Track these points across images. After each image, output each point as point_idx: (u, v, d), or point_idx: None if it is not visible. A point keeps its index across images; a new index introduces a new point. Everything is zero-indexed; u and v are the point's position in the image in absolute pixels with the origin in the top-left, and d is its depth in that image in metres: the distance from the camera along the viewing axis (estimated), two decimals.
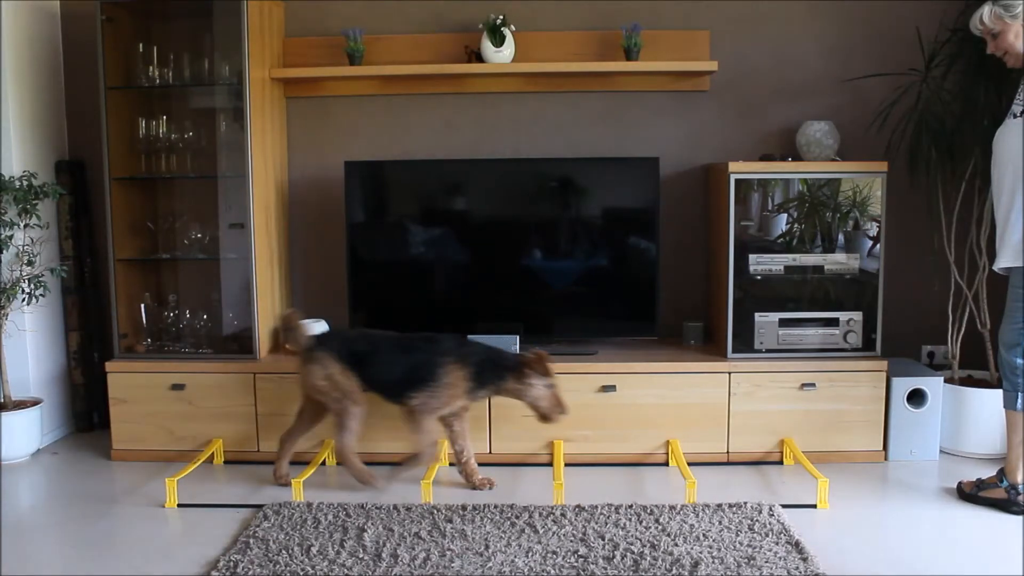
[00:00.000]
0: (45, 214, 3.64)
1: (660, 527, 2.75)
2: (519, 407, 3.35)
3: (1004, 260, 2.96)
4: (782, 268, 3.47)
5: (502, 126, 3.84)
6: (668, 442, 3.38)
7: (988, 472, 3.08)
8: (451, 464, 3.39)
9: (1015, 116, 2.95)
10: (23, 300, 3.49)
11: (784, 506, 2.93)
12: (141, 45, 3.62)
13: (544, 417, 3.08)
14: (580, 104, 3.82)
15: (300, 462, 3.39)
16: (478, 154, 3.83)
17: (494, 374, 3.05)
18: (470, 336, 3.50)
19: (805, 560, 2.51)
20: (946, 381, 3.45)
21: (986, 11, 2.93)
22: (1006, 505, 2.93)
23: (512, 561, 2.53)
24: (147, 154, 3.70)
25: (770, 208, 3.53)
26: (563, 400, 3.08)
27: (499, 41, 3.58)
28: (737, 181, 3.41)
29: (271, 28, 3.67)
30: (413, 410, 3.03)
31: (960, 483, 3.09)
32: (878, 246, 3.44)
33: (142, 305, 3.73)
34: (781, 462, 3.39)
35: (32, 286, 3.47)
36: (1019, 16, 2.87)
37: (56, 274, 3.61)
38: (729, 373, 3.36)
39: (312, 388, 3.08)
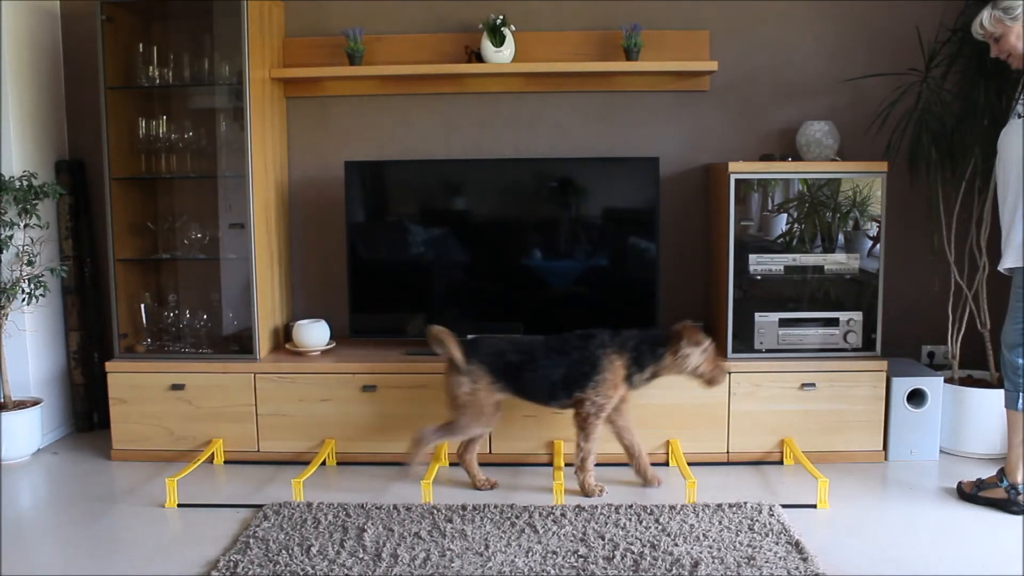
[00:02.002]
0: (45, 214, 3.64)
1: (660, 527, 2.75)
2: (519, 407, 3.36)
3: (1008, 260, 2.96)
4: (782, 268, 3.47)
5: (502, 126, 3.84)
6: (668, 442, 3.38)
7: (988, 472, 3.08)
8: (452, 464, 3.40)
9: (1018, 116, 2.95)
10: (23, 300, 3.49)
11: (784, 506, 2.93)
12: (141, 45, 3.62)
13: (709, 382, 3.07)
14: (580, 104, 3.82)
15: (300, 462, 3.40)
16: (478, 154, 3.84)
17: (651, 355, 3.03)
18: (469, 336, 3.51)
19: (805, 560, 2.51)
20: (946, 381, 3.45)
21: (986, 15, 2.93)
22: (1006, 505, 2.93)
23: (512, 561, 2.53)
24: (147, 154, 3.71)
25: (770, 208, 3.53)
26: (720, 362, 3.08)
27: (499, 41, 3.58)
28: (737, 181, 3.41)
29: (271, 28, 3.67)
30: (585, 415, 3.00)
31: (960, 483, 3.09)
32: (878, 246, 3.44)
33: (142, 305, 3.73)
34: (781, 462, 3.39)
35: (32, 286, 3.47)
36: (1019, 18, 2.87)
37: (56, 274, 3.61)
38: (729, 373, 3.36)
39: (452, 398, 3.03)
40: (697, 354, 3.02)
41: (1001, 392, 3.37)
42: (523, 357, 3.04)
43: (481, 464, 3.38)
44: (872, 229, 3.46)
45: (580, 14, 3.76)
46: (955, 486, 3.10)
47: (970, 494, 3.01)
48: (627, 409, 3.14)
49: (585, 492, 3.06)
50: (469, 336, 3.17)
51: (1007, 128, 2.99)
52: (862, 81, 3.69)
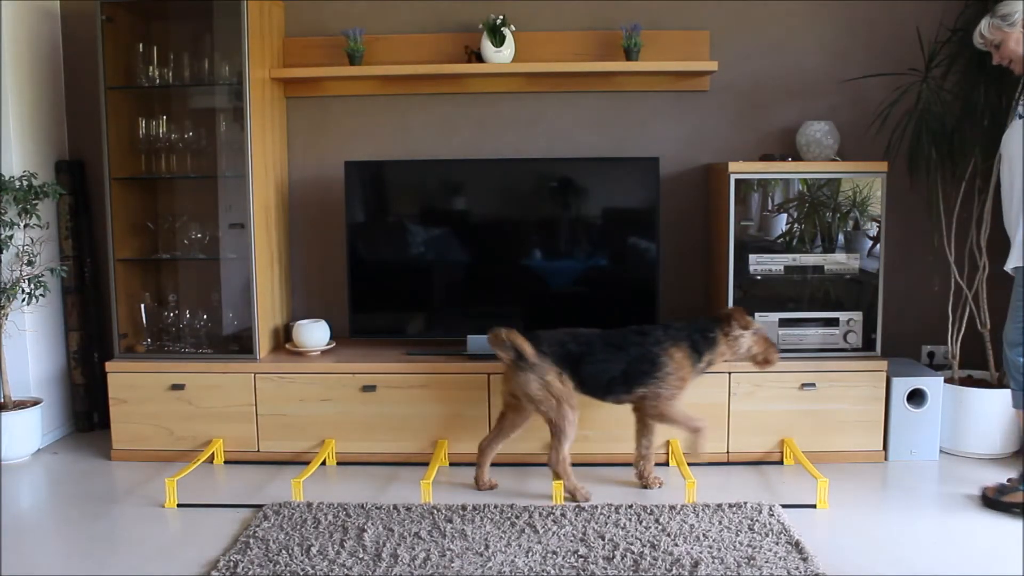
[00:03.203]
0: (45, 214, 3.64)
1: (660, 527, 2.75)
2: None
3: (1013, 260, 2.98)
4: (782, 268, 3.47)
5: (502, 126, 3.84)
6: (668, 442, 3.38)
7: (988, 472, 3.08)
8: (452, 464, 3.39)
9: (1019, 117, 2.96)
10: (23, 300, 3.49)
11: (784, 506, 2.93)
12: (141, 45, 3.62)
13: (763, 363, 3.07)
14: (580, 104, 3.82)
15: (300, 462, 3.40)
16: (478, 154, 3.84)
17: (706, 342, 3.03)
18: (470, 336, 3.52)
19: (805, 560, 2.51)
20: (946, 381, 3.45)
21: (984, 24, 2.97)
22: None
23: (512, 561, 2.53)
24: (147, 154, 3.71)
25: (770, 208, 3.53)
26: (771, 340, 3.09)
27: (499, 41, 3.58)
28: (737, 181, 3.41)
29: (271, 28, 3.67)
30: (658, 408, 3.01)
31: (984, 489, 3.05)
32: (878, 246, 3.44)
33: (142, 305, 3.73)
34: (781, 462, 3.39)
35: (32, 286, 3.47)
36: (1017, 23, 2.90)
37: (56, 274, 3.61)
38: (729, 373, 3.36)
39: (527, 398, 3.01)
40: (748, 337, 3.03)
41: (1001, 392, 3.38)
42: (583, 348, 3.02)
43: None
44: (872, 229, 3.46)
45: (580, 14, 3.76)
46: (978, 494, 3.06)
47: (994, 500, 2.96)
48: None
49: (644, 483, 3.11)
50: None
51: (1009, 130, 3.00)
52: (862, 81, 3.69)
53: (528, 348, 2.98)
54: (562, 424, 2.99)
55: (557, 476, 3.03)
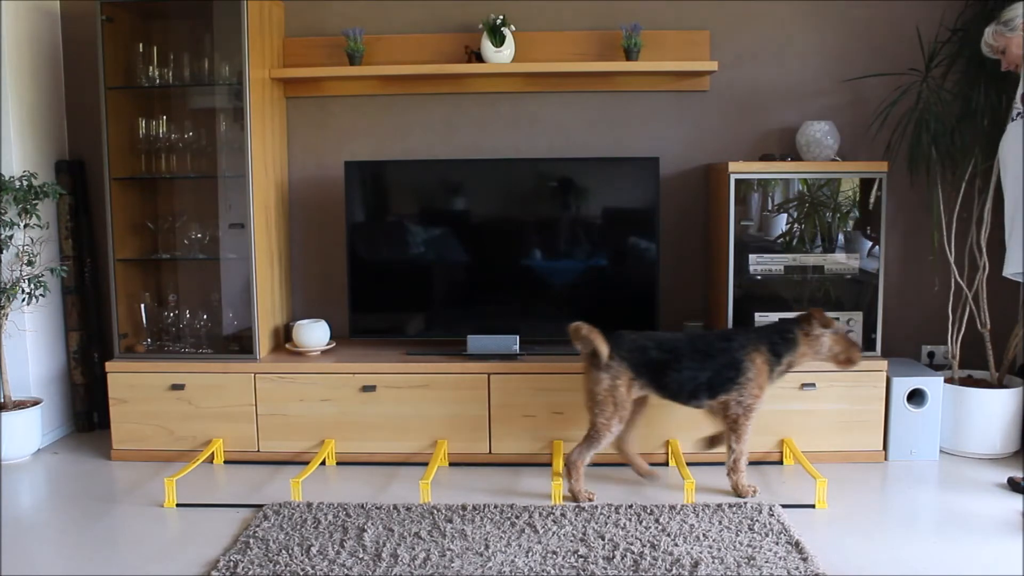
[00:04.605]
0: (45, 214, 3.64)
1: (660, 527, 2.75)
2: (517, 408, 3.37)
3: (1011, 266, 3.00)
4: (782, 268, 3.47)
5: (502, 126, 3.84)
6: (668, 442, 3.38)
7: (989, 472, 3.08)
8: (451, 464, 3.40)
9: (1012, 119, 2.98)
10: (23, 300, 3.49)
11: (784, 506, 2.93)
12: (141, 45, 3.62)
13: (846, 362, 3.05)
14: (580, 104, 3.82)
15: (300, 462, 3.40)
16: (478, 154, 3.84)
17: (786, 344, 3.01)
18: (470, 336, 3.52)
19: (805, 560, 2.51)
20: (946, 381, 3.45)
21: (989, 32, 3.06)
22: None
23: (512, 561, 2.53)
24: (147, 154, 3.71)
25: (770, 208, 3.53)
26: (852, 338, 3.06)
27: (499, 41, 3.58)
28: (737, 181, 3.41)
29: (271, 28, 3.67)
30: (735, 418, 3.00)
31: (1010, 479, 3.12)
32: (877, 247, 3.43)
33: (142, 305, 3.73)
34: (781, 462, 3.39)
35: (32, 286, 3.47)
36: (1018, 28, 2.96)
37: (56, 274, 3.61)
38: None
39: (591, 395, 3.00)
40: (827, 336, 3.01)
41: (1001, 392, 3.39)
42: (666, 355, 3.00)
43: (481, 464, 3.39)
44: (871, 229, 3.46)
45: (580, 14, 3.76)
46: (1005, 481, 3.14)
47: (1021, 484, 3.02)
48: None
49: (738, 493, 3.05)
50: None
51: (1006, 133, 3.02)
52: (862, 81, 3.69)
53: (603, 349, 2.96)
54: (603, 433, 2.98)
55: (568, 472, 3.02)
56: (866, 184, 3.45)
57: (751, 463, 3.39)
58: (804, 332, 3.01)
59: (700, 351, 3.01)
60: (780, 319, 3.12)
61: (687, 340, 3.06)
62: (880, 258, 3.43)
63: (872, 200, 3.43)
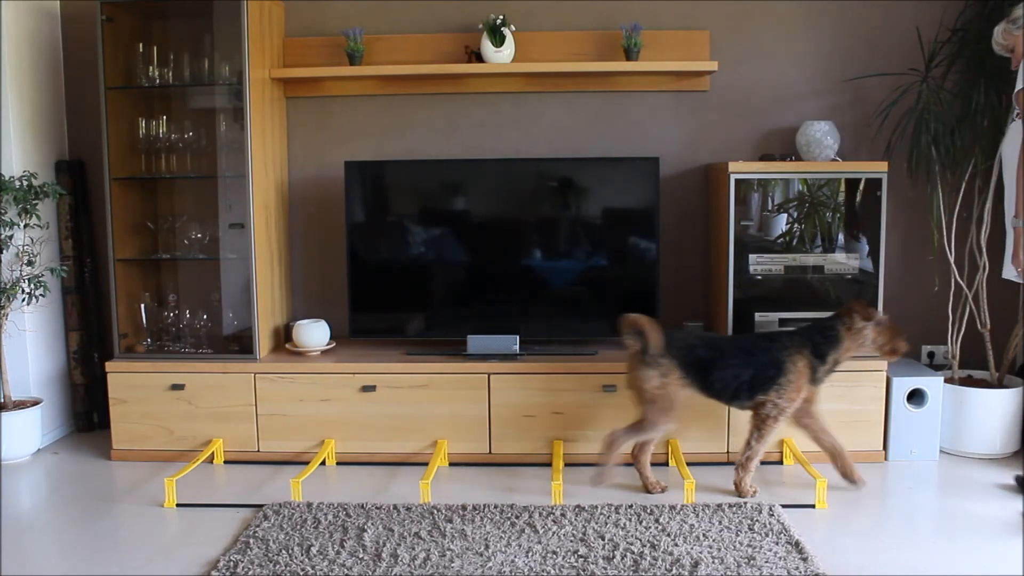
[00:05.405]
0: (45, 214, 3.64)
1: (660, 527, 2.75)
2: (517, 408, 3.37)
3: (1009, 270, 3.01)
4: (782, 268, 3.47)
5: (502, 126, 3.84)
6: (668, 442, 3.38)
7: (988, 472, 3.08)
8: (451, 464, 3.40)
9: (1012, 120, 2.99)
10: (23, 300, 3.49)
11: (784, 506, 2.93)
12: (141, 45, 3.62)
13: (891, 353, 3.03)
14: (580, 104, 3.82)
15: (300, 462, 3.40)
16: (478, 154, 3.83)
17: (829, 344, 2.99)
18: (470, 336, 3.52)
19: (805, 560, 2.51)
20: (946, 381, 3.45)
21: (998, 30, 3.10)
22: None
23: (512, 561, 2.53)
24: (147, 154, 3.70)
25: (770, 208, 3.53)
26: (897, 328, 3.05)
27: (499, 41, 3.58)
28: (737, 181, 3.41)
29: (271, 28, 3.67)
30: (765, 417, 2.99)
31: (1017, 476, 3.13)
32: (866, 243, 3.43)
33: (142, 305, 3.73)
34: (781, 462, 3.39)
35: (32, 286, 3.47)
36: None
37: (56, 274, 3.61)
38: None
39: (641, 392, 2.99)
40: (870, 328, 2.99)
41: (1001, 392, 3.39)
42: (712, 353, 3.00)
43: (481, 464, 3.39)
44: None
45: (580, 14, 3.76)
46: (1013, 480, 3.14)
47: None
48: (817, 410, 3.09)
49: (740, 491, 3.05)
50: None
51: (1006, 135, 3.04)
52: (862, 81, 3.69)
53: (655, 339, 2.95)
54: (652, 428, 2.98)
55: (607, 446, 3.00)
56: (851, 184, 3.44)
57: None
58: (846, 327, 2.99)
59: (744, 350, 3.01)
60: (822, 320, 3.07)
61: (731, 339, 3.08)
62: (880, 258, 3.43)
63: (859, 197, 3.43)
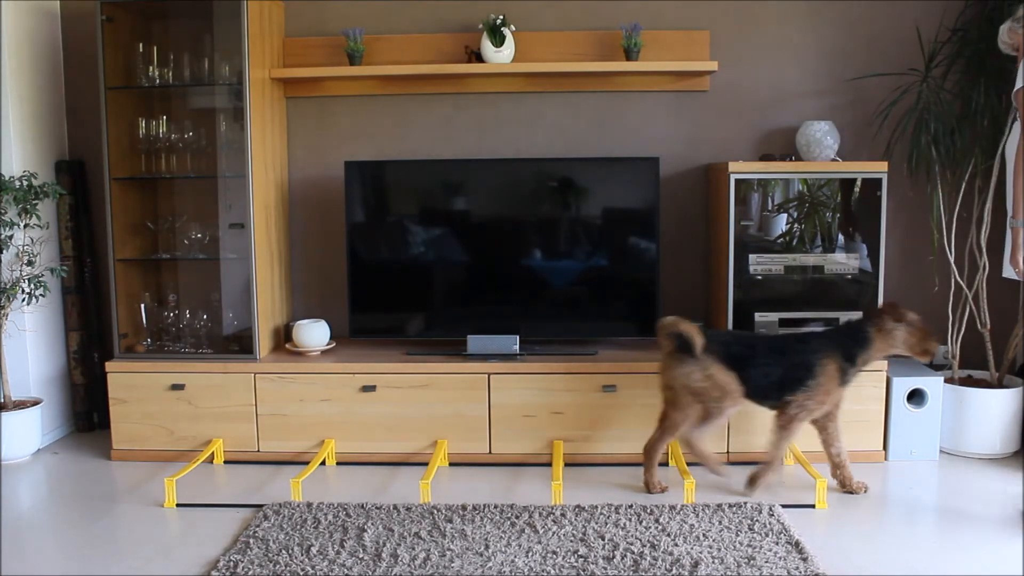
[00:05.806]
0: (45, 214, 3.64)
1: (660, 527, 2.75)
2: (517, 408, 3.37)
3: (1009, 269, 3.01)
4: (782, 268, 3.47)
5: (502, 126, 3.84)
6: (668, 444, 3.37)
7: (989, 472, 3.08)
8: (451, 464, 3.39)
9: (1012, 120, 3.01)
10: (23, 300, 3.49)
11: (784, 506, 2.93)
12: (141, 45, 3.62)
13: (923, 354, 3.03)
14: (580, 104, 3.82)
15: (300, 462, 3.40)
16: (478, 154, 3.83)
17: (859, 345, 2.99)
18: (470, 336, 3.52)
19: (805, 560, 2.51)
20: (946, 381, 3.45)
21: (1004, 29, 3.12)
22: None
23: (512, 561, 2.53)
24: (147, 154, 3.70)
25: (770, 208, 3.53)
26: (929, 328, 3.04)
27: (499, 41, 3.58)
28: (737, 181, 3.41)
29: (271, 28, 3.67)
30: (791, 416, 2.99)
31: None
32: (863, 244, 3.44)
33: (142, 305, 3.73)
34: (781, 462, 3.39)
35: (32, 286, 3.47)
36: None
37: (56, 274, 3.61)
38: None
39: (688, 389, 2.99)
40: (902, 330, 2.99)
41: (1001, 392, 3.39)
42: (746, 351, 3.02)
43: (481, 464, 3.39)
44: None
45: (580, 14, 3.76)
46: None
47: None
48: (838, 416, 3.10)
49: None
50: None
51: (1008, 135, 3.05)
52: (862, 81, 3.69)
53: (698, 339, 2.96)
54: (715, 416, 2.99)
55: (688, 446, 3.04)
56: (851, 184, 3.44)
57: (751, 463, 3.39)
58: (877, 328, 3.00)
59: (775, 349, 3.02)
60: (853, 320, 3.08)
61: (764, 338, 3.09)
62: (880, 258, 3.42)
63: (859, 197, 3.43)
